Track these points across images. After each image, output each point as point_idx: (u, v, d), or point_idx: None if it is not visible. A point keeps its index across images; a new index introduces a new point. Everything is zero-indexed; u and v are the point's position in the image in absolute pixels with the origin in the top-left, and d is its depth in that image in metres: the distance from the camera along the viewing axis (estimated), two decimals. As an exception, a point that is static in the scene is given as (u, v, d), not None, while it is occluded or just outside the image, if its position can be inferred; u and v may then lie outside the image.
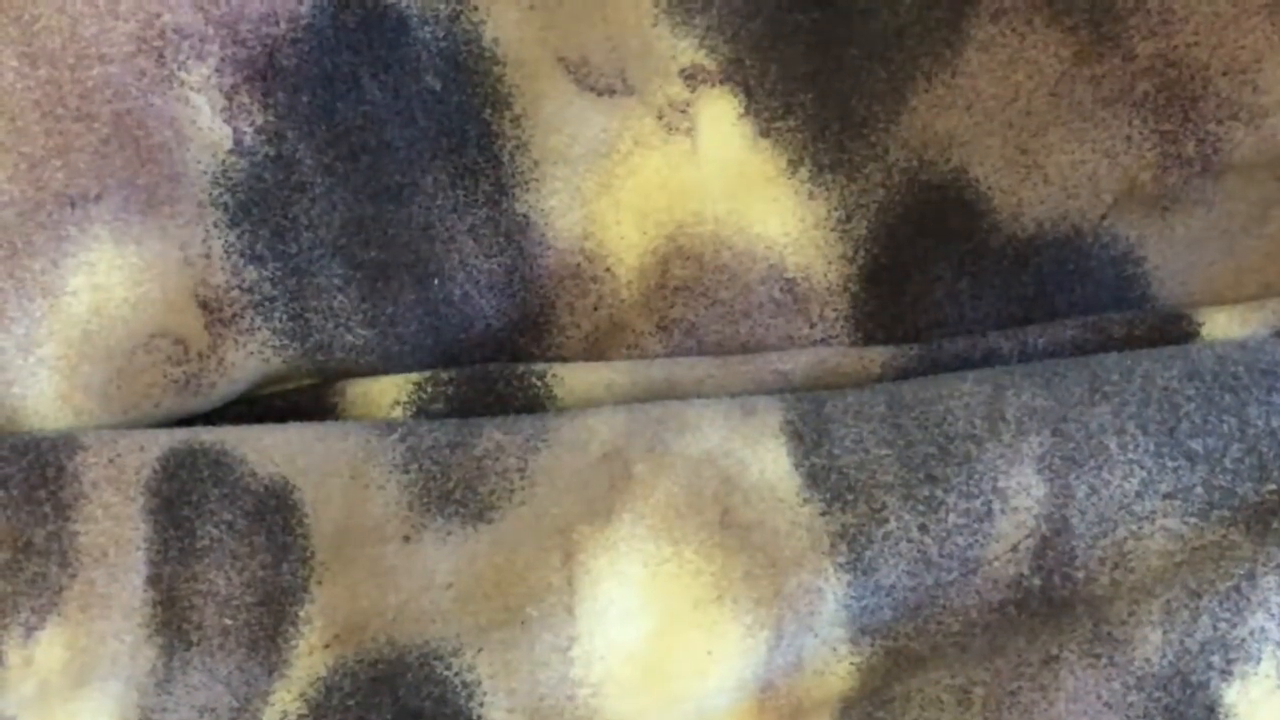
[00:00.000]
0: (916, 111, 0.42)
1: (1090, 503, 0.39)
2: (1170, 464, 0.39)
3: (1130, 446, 0.39)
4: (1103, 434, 0.39)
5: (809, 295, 0.43)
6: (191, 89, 0.40)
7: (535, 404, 0.42)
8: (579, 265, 0.42)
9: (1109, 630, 0.39)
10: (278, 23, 0.41)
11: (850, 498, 0.39)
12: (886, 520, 0.39)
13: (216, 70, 0.40)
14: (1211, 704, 0.38)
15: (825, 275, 0.43)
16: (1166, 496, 0.39)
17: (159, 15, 0.40)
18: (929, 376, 0.41)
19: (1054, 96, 0.42)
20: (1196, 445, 0.39)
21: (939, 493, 0.39)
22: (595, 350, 0.42)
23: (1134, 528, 0.39)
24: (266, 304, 0.41)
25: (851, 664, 0.39)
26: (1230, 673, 0.39)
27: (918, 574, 0.39)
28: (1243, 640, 0.39)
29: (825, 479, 0.39)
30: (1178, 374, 0.40)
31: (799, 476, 0.40)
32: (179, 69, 0.40)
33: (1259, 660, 0.39)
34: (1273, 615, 0.39)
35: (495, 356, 0.43)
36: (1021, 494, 0.39)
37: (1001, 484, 0.39)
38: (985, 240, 0.43)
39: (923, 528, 0.39)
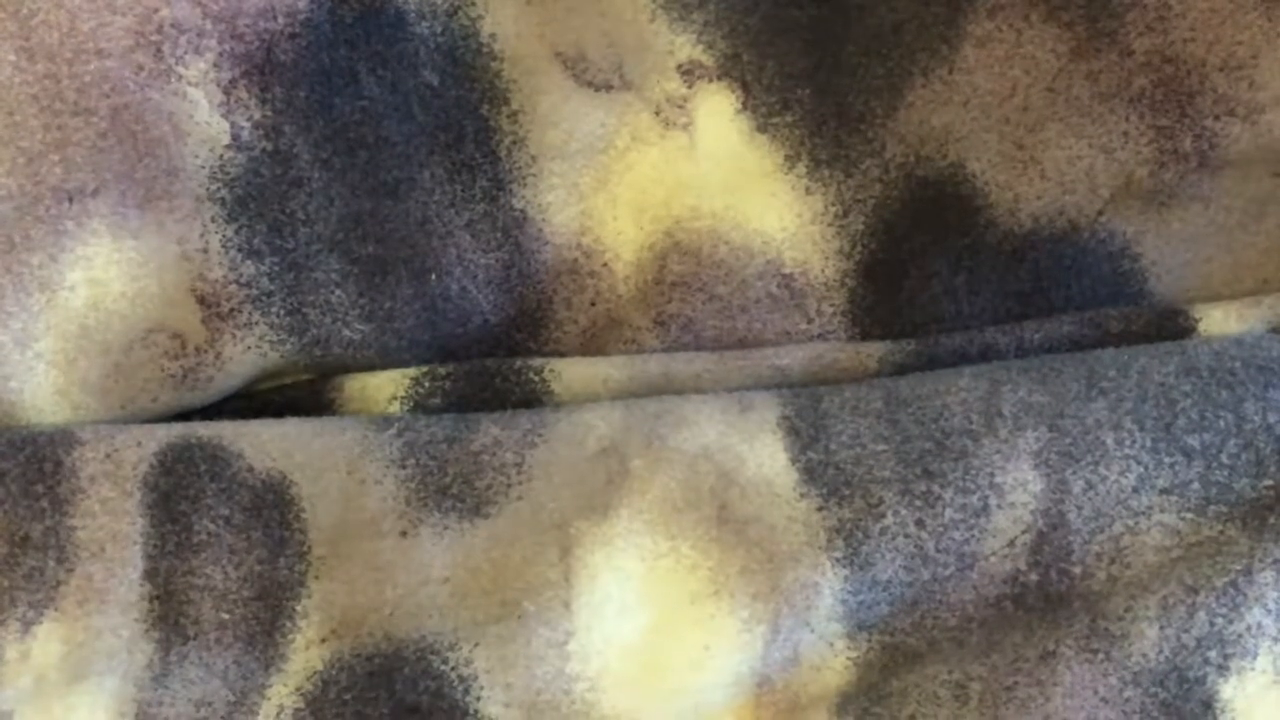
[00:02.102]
0: (913, 107, 0.42)
1: (1087, 498, 0.39)
2: (1167, 459, 0.39)
3: (1127, 442, 0.39)
4: (1099, 429, 0.39)
5: (806, 290, 0.43)
6: (189, 83, 0.40)
7: (533, 399, 0.42)
8: (576, 260, 0.42)
9: (1105, 626, 0.39)
10: (275, 18, 0.41)
11: (847, 493, 0.39)
12: (883, 515, 0.39)
13: (214, 65, 0.40)
14: (1208, 699, 0.38)
15: (822, 270, 0.43)
16: (1163, 492, 0.39)
17: (157, 10, 0.40)
18: (926, 372, 0.41)
19: (1051, 92, 0.42)
20: (1193, 441, 0.39)
21: (936, 488, 0.39)
22: (592, 345, 0.42)
23: (1130, 523, 0.39)
24: (264, 299, 0.41)
25: (848, 659, 0.39)
26: (1227, 668, 0.39)
27: (914, 569, 0.39)
28: (1239, 636, 0.39)
29: (822, 474, 0.39)
30: (1174, 370, 0.40)
31: (795, 472, 0.40)
32: (177, 64, 0.40)
33: (1255, 656, 0.39)
34: (1269, 611, 0.39)
35: (492, 351, 0.43)
36: (1018, 489, 0.39)
37: (998, 479, 0.39)
38: (982, 235, 0.43)
39: (919, 523, 0.39)
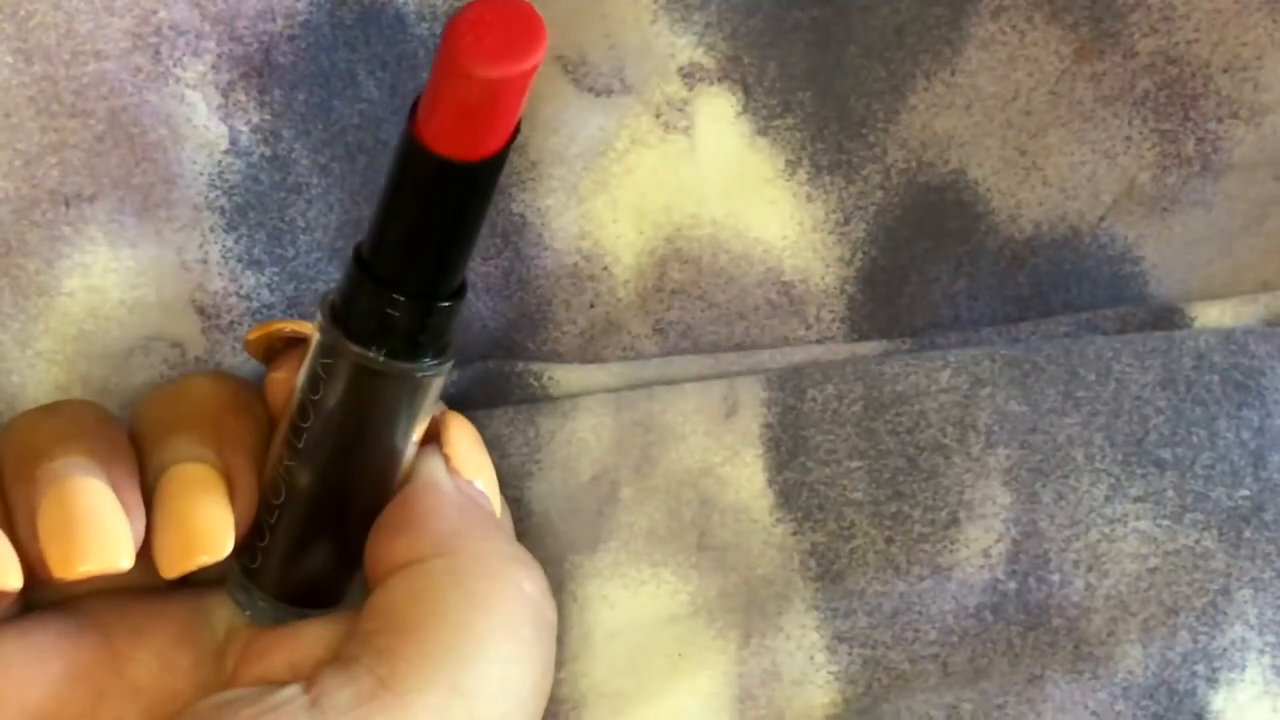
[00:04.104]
0: (916, 111, 0.42)
1: (1059, 507, 0.39)
2: (1139, 471, 0.40)
3: (1097, 457, 0.40)
4: (1070, 446, 0.40)
5: (805, 298, 0.42)
6: (187, 86, 0.40)
7: (532, 401, 0.42)
8: (576, 264, 0.42)
9: (1090, 650, 0.39)
10: (274, 19, 0.40)
11: (820, 516, 0.40)
12: (853, 537, 0.40)
13: (213, 67, 0.40)
14: (1200, 711, 0.39)
15: (822, 278, 0.42)
16: (1137, 500, 0.39)
17: (155, 11, 0.40)
18: (911, 360, 0.41)
19: (1054, 95, 0.42)
20: (1165, 454, 0.40)
21: (905, 508, 0.40)
22: (590, 348, 0.42)
23: (1106, 530, 0.39)
24: (264, 311, 0.41)
25: (829, 673, 0.39)
26: (1216, 680, 0.39)
27: (888, 580, 0.39)
28: (1224, 650, 0.39)
29: (797, 497, 0.40)
30: (1152, 381, 0.40)
31: (772, 495, 0.40)
32: (175, 65, 0.40)
33: (1244, 668, 0.39)
34: (1251, 626, 0.39)
35: (490, 353, 0.43)
36: (987, 503, 0.39)
37: (966, 496, 0.40)
38: (983, 242, 0.43)
39: (889, 540, 0.40)
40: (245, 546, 0.37)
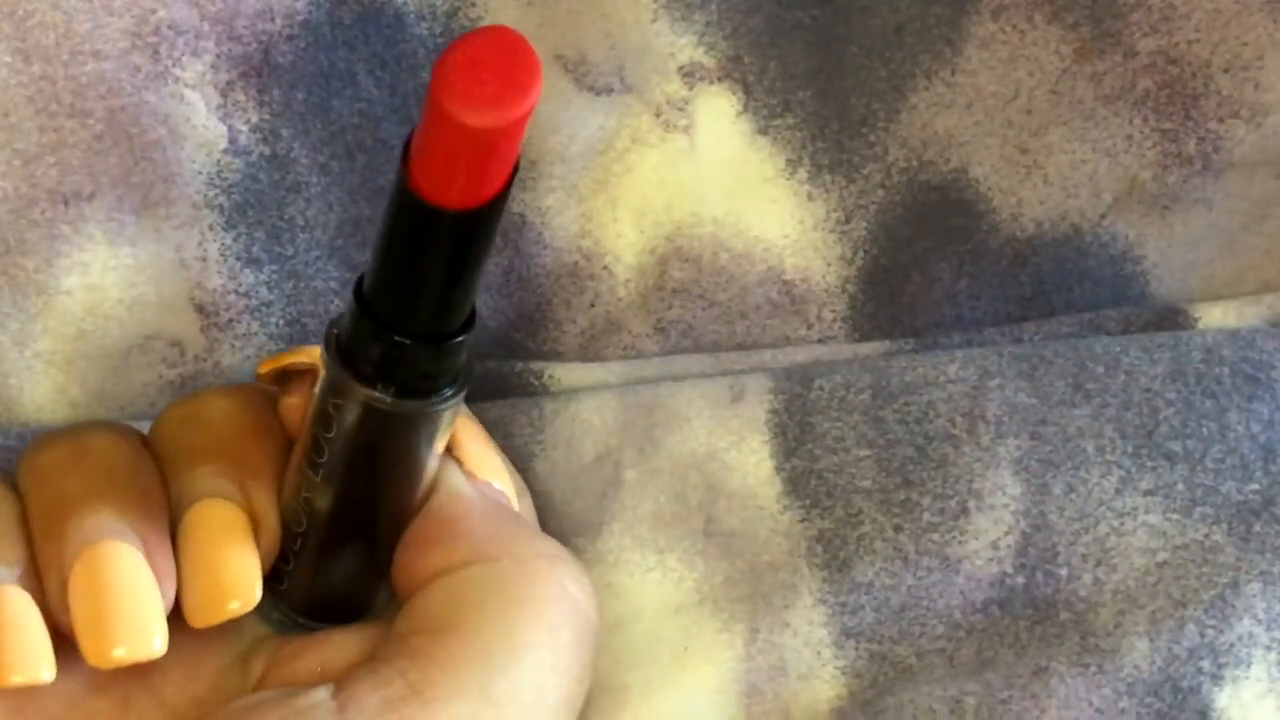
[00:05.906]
0: (916, 110, 0.42)
1: (1069, 499, 0.39)
2: (1149, 463, 0.39)
3: (1108, 449, 0.40)
4: (1080, 437, 0.40)
5: (807, 297, 0.42)
6: (186, 85, 0.40)
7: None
8: (576, 264, 0.42)
9: (1096, 642, 0.39)
10: (273, 19, 0.40)
11: (828, 504, 0.40)
12: (861, 524, 0.39)
13: (212, 67, 0.40)
14: (1204, 708, 0.39)
15: (824, 277, 0.42)
16: (1147, 493, 0.39)
17: (154, 11, 0.40)
18: (918, 355, 0.41)
19: (1055, 94, 0.42)
20: (1176, 446, 0.40)
21: (914, 496, 0.39)
22: (591, 348, 0.42)
23: (1115, 524, 0.39)
24: (263, 309, 0.41)
25: (836, 668, 0.39)
26: (1221, 677, 0.39)
27: (895, 572, 0.39)
28: (1231, 645, 0.39)
29: (805, 485, 0.40)
30: (1161, 374, 0.40)
31: (779, 482, 0.40)
32: (174, 65, 0.40)
33: (1249, 665, 0.39)
34: (1259, 620, 0.39)
35: (491, 352, 0.42)
36: (997, 493, 0.39)
37: (976, 485, 0.39)
38: (984, 241, 0.42)
39: (897, 527, 0.39)
40: (271, 571, 0.36)
